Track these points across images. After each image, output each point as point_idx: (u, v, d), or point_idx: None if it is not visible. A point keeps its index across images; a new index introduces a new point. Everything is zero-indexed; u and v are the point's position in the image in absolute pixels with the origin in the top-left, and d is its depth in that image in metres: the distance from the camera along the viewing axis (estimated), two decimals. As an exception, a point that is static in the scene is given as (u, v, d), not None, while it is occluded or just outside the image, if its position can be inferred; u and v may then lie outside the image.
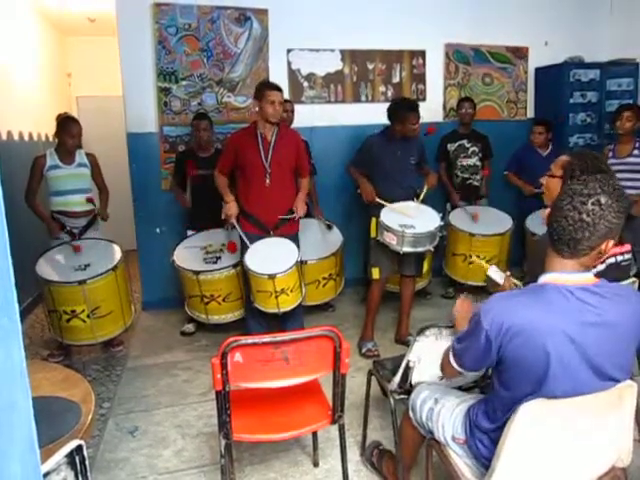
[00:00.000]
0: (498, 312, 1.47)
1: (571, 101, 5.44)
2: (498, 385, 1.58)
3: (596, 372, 1.45)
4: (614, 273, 2.07)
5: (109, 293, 3.67)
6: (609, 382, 1.47)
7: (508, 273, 2.20)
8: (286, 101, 4.39)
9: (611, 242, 1.46)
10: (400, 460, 2.17)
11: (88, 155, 4.01)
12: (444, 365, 1.75)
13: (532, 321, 1.43)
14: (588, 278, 1.50)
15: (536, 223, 4.50)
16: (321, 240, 4.40)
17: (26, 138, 5.14)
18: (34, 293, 4.48)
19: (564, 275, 1.48)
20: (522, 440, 1.47)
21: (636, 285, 2.46)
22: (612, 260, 2.14)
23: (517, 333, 1.43)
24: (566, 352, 1.42)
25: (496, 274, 2.17)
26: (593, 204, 1.40)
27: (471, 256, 4.47)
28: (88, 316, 3.59)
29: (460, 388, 2.17)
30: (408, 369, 2.19)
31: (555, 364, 1.42)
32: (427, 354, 2.15)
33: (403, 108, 3.69)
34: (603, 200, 1.40)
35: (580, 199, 1.42)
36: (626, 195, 1.49)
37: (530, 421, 1.44)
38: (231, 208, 3.51)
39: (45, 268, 3.63)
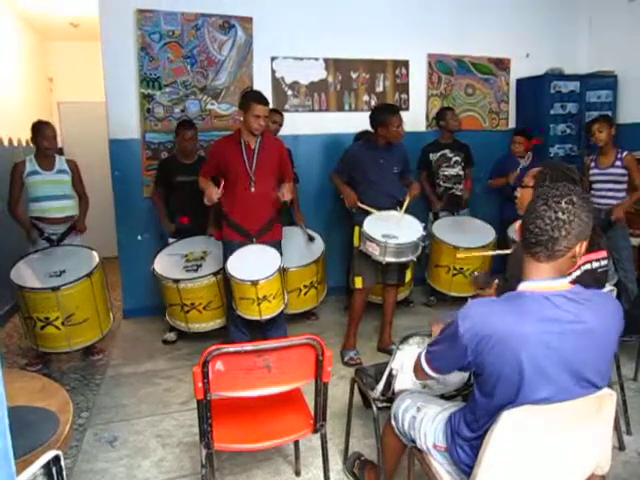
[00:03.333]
0: (475, 319, 1.50)
1: (551, 112, 5.53)
2: (478, 393, 1.59)
3: (575, 378, 1.46)
4: (590, 279, 2.10)
5: (84, 300, 3.61)
6: (589, 388, 1.48)
7: (496, 281, 2.22)
8: (276, 112, 4.41)
9: (584, 244, 1.50)
10: (382, 469, 2.17)
11: (69, 162, 3.97)
12: (416, 368, 1.78)
13: (509, 329, 1.45)
14: (564, 285, 1.52)
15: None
16: (302, 248, 4.39)
17: (6, 143, 5.08)
18: (12, 300, 4.40)
19: (541, 282, 1.51)
20: (503, 447, 1.48)
21: (614, 294, 2.49)
22: (588, 266, 2.17)
23: (494, 341, 1.45)
24: (543, 359, 1.43)
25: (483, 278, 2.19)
26: (567, 203, 1.46)
27: (455, 268, 4.51)
28: (63, 323, 3.53)
29: (442, 396, 2.17)
30: (391, 377, 2.19)
31: (532, 371, 1.43)
32: (410, 362, 2.16)
33: (385, 112, 3.70)
34: (575, 199, 1.47)
35: (554, 199, 1.48)
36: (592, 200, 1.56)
37: (511, 428, 1.45)
38: (211, 190, 3.40)
39: (20, 274, 3.58)
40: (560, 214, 1.46)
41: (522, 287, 1.54)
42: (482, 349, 1.47)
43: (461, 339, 1.50)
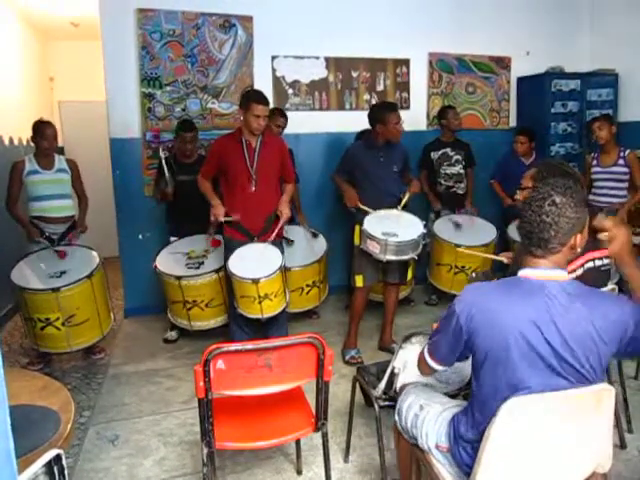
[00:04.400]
0: (470, 300, 1.55)
1: (552, 110, 5.52)
2: (474, 380, 1.62)
3: (565, 367, 1.47)
4: (594, 278, 2.10)
5: (84, 301, 3.61)
6: (581, 381, 1.48)
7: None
8: (280, 114, 4.39)
9: (579, 236, 1.53)
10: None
11: (68, 161, 3.98)
12: (420, 363, 1.81)
13: (500, 308, 1.49)
14: (561, 275, 1.55)
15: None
16: (305, 247, 4.40)
17: (6, 142, 5.08)
18: (13, 299, 4.41)
19: (539, 270, 1.55)
20: (502, 443, 1.48)
21: (615, 292, 2.49)
22: (590, 264, 2.17)
23: (486, 319, 1.50)
24: (533, 342, 1.46)
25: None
26: (549, 205, 1.50)
27: (456, 267, 4.50)
28: (63, 324, 3.53)
29: (446, 394, 2.17)
30: (393, 376, 2.19)
31: (519, 352, 1.46)
32: (412, 361, 2.16)
33: (383, 109, 3.71)
34: (558, 200, 1.50)
35: (537, 203, 1.53)
36: (581, 191, 1.58)
37: (510, 422, 1.45)
38: (219, 209, 3.48)
39: (20, 274, 3.58)
40: (544, 217, 1.50)
41: (520, 273, 1.58)
42: (474, 327, 1.51)
43: (457, 320, 1.55)
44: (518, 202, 2.33)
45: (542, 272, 1.54)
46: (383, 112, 3.67)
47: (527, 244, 1.56)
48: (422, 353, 1.76)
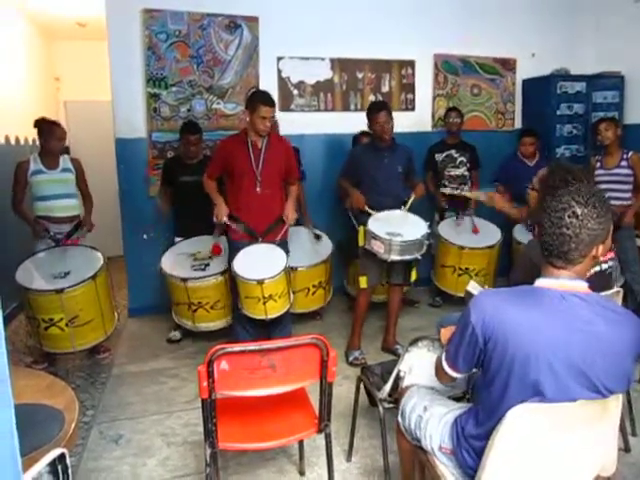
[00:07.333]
0: (487, 308, 1.50)
1: (558, 112, 5.50)
2: (484, 387, 1.59)
3: (581, 380, 1.44)
4: (598, 281, 2.09)
5: (88, 302, 3.61)
6: (594, 394, 1.45)
7: (486, 287, 2.21)
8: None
9: (601, 247, 1.49)
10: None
11: (73, 160, 3.98)
12: (438, 371, 1.76)
13: (518, 319, 1.45)
14: (581, 286, 1.51)
15: (523, 232, 4.53)
16: (312, 247, 4.40)
17: (12, 142, 5.10)
18: (18, 298, 4.41)
19: (558, 281, 1.51)
20: (507, 449, 1.47)
21: (620, 295, 2.48)
22: (597, 268, 2.16)
23: (503, 330, 1.45)
24: (549, 353, 1.42)
25: (474, 289, 2.18)
26: (569, 217, 1.44)
27: (460, 268, 4.50)
28: (67, 325, 3.53)
29: (449, 398, 2.16)
30: (399, 379, 2.18)
31: (536, 365, 1.42)
32: (418, 365, 2.15)
33: (370, 109, 3.79)
34: (579, 211, 1.44)
35: (557, 215, 1.46)
36: (606, 198, 1.51)
37: (516, 428, 1.44)
38: (221, 209, 3.49)
39: (25, 275, 3.58)
40: (564, 230, 1.45)
41: (538, 283, 1.54)
42: (491, 336, 1.48)
43: (473, 329, 1.51)
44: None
45: (561, 282, 1.50)
46: (369, 112, 3.76)
47: (547, 255, 1.52)
48: (439, 361, 1.72)
